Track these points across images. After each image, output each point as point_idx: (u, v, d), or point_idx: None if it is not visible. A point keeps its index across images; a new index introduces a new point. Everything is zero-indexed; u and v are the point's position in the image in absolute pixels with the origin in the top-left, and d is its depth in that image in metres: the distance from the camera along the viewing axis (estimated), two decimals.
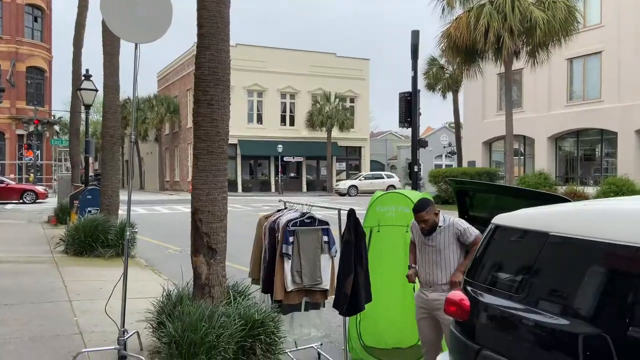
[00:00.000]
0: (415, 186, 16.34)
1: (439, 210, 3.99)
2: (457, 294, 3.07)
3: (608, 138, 22.18)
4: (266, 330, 4.12)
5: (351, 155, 41.02)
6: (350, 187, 33.68)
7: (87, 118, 14.61)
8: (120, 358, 4.25)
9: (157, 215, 20.36)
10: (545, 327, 2.49)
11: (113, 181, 10.32)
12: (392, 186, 33.09)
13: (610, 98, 21.52)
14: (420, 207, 3.87)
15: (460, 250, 3.87)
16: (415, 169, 16.89)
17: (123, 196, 11.17)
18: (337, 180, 37.46)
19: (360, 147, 40.96)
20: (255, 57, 35.71)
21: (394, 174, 37.34)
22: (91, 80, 13.39)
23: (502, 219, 3.01)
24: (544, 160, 24.10)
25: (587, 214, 2.62)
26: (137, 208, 22.00)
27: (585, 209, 2.71)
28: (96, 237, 9.24)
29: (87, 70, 13.85)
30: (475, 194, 4.89)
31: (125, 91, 32.69)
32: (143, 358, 4.13)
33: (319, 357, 5.09)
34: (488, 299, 2.87)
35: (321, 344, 5.21)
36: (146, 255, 10.24)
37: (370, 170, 41.81)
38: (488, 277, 2.97)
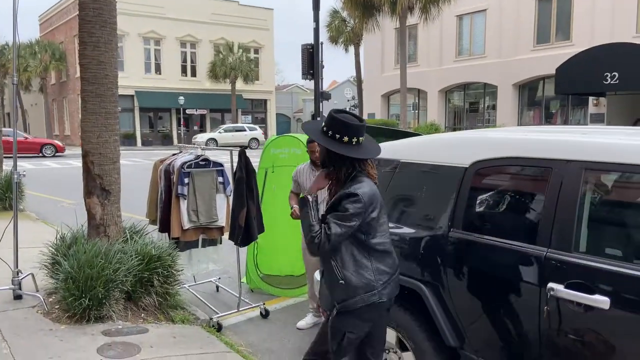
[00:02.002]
0: None
1: None
2: None
3: (490, 91, 24.25)
4: (163, 264, 4.39)
5: (257, 108, 40.72)
6: (208, 140, 31.54)
7: None
8: (15, 297, 4.32)
9: (47, 170, 19.15)
10: (395, 236, 3.06)
11: None
12: (255, 139, 32.36)
13: (492, 54, 23.39)
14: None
15: None
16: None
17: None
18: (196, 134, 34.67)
19: (265, 100, 40.74)
20: (151, 2, 33.53)
21: (257, 127, 35.36)
22: None
23: None
24: (435, 112, 25.86)
25: (420, 144, 3.20)
26: (23, 163, 20.47)
27: (420, 140, 3.29)
28: None
29: None
30: None
31: (4, 36, 29.31)
32: (39, 296, 4.24)
33: (218, 290, 5.49)
34: None
35: (219, 278, 5.61)
36: (37, 209, 9.83)
37: (277, 124, 41.91)
38: None
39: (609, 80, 14.77)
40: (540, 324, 2.34)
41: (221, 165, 5.21)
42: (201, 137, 31.93)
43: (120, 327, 3.98)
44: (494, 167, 2.68)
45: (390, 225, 3.10)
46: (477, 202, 2.73)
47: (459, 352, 2.73)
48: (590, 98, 19.32)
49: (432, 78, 25.61)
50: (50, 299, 4.29)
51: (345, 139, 2.36)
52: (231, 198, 4.87)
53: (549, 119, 22.48)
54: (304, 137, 5.52)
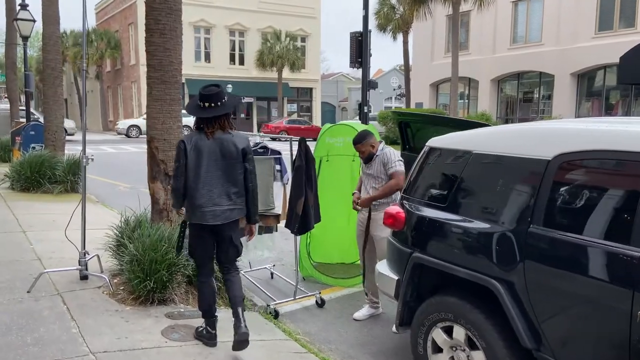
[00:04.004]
0: None
1: (377, 142, 4.34)
2: (394, 208, 3.48)
3: (546, 81, 23.24)
4: None
5: (302, 97, 40.78)
6: (130, 127, 29.12)
7: (25, 50, 13.77)
8: (82, 278, 4.47)
9: (104, 154, 19.86)
10: (466, 230, 2.94)
11: (57, 116, 10.03)
12: (187, 126, 30.95)
13: (549, 41, 22.37)
14: (356, 140, 4.29)
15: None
16: (365, 110, 17.21)
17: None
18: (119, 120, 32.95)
19: (311, 89, 40.70)
20: None
21: (184, 112, 33.64)
22: (28, 10, 12.59)
23: (434, 141, 3.39)
24: (486, 102, 25.06)
25: (496, 134, 3.04)
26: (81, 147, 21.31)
27: (495, 130, 3.14)
28: (43, 173, 9.10)
29: (22, 0, 13.00)
30: (416, 124, 5.29)
31: (62, 23, 30.38)
32: (105, 277, 4.37)
33: (272, 276, 5.52)
34: (420, 210, 3.29)
35: (274, 265, 5.64)
36: (96, 192, 10.19)
37: (322, 112, 41.83)
38: (421, 192, 3.37)
39: None
40: (631, 330, 2.19)
41: (279, 153, 5.20)
42: (123, 124, 30.33)
43: (182, 310, 4.05)
44: (580, 161, 2.51)
45: (460, 218, 2.98)
46: (561, 197, 2.57)
47: (535, 355, 2.60)
48: None
49: (484, 66, 24.79)
50: (115, 280, 4.41)
51: (204, 104, 3.36)
52: (288, 186, 4.86)
53: (609, 111, 21.35)
54: (359, 126, 5.43)
